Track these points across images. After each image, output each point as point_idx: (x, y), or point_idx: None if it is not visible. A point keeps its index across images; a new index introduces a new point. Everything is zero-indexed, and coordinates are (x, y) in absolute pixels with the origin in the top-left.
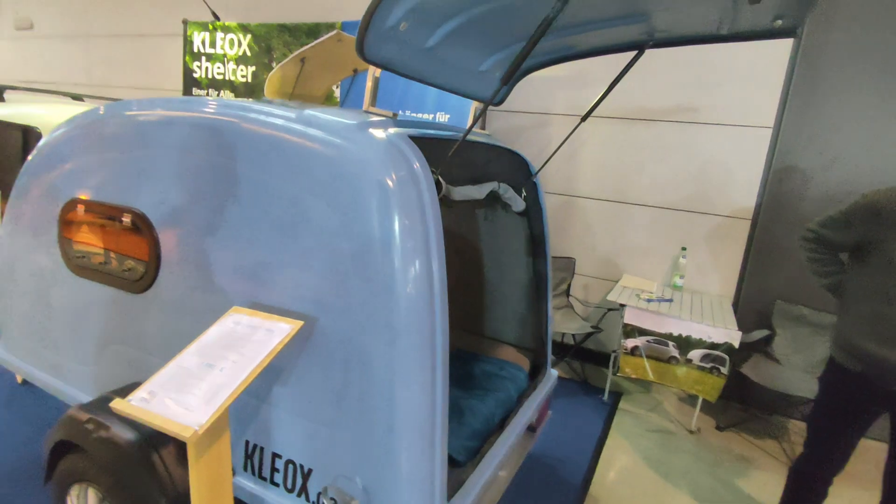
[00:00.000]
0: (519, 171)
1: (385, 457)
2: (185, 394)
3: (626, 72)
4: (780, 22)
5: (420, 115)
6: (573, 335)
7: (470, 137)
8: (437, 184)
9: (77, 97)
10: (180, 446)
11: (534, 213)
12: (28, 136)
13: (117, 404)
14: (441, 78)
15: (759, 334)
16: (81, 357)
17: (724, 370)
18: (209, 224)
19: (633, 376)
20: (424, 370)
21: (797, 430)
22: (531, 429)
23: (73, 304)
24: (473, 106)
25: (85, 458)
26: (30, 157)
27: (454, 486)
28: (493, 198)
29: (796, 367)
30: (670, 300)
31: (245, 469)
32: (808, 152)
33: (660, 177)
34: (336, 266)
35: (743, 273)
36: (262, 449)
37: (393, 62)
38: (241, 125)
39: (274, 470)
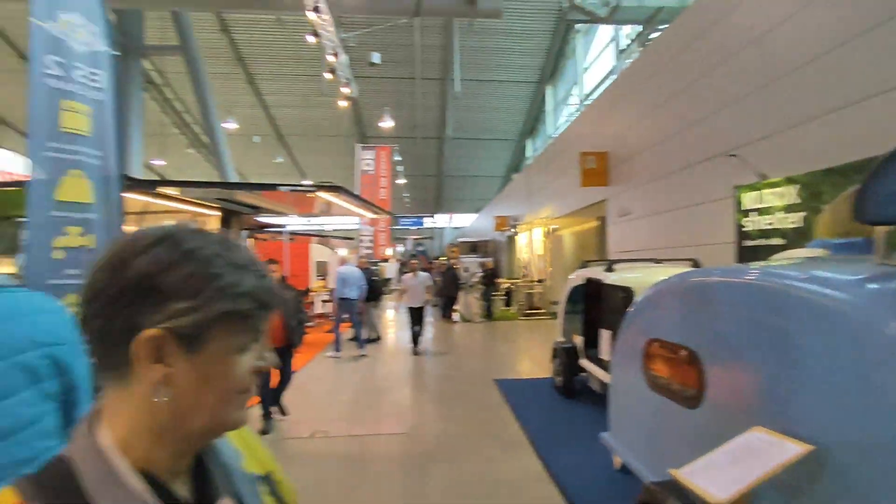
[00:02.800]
0: None
1: None
2: (713, 476)
3: None
4: None
5: None
6: None
7: None
8: None
9: (657, 261)
10: None
11: None
12: (626, 294)
13: (674, 471)
14: None
15: None
16: (651, 448)
17: None
18: (740, 361)
19: None
20: None
21: None
22: None
23: (649, 410)
24: None
25: None
26: (630, 309)
27: None
28: None
29: None
30: None
31: None
32: None
33: None
34: (843, 400)
35: None
36: None
37: None
38: (763, 285)
39: None
